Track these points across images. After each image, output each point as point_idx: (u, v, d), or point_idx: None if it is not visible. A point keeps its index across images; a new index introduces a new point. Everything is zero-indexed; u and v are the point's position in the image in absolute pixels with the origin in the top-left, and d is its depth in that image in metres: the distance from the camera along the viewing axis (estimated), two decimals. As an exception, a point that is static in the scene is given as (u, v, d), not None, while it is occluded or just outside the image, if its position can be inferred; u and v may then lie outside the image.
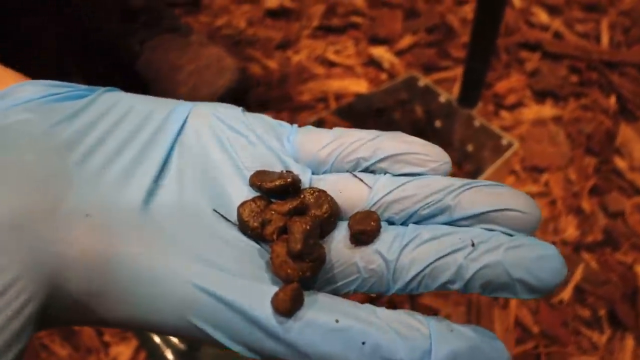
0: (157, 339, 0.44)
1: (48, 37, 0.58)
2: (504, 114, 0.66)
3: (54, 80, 0.20)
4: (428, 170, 0.19)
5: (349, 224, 0.19)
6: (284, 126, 0.21)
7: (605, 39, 0.74)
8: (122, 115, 0.19)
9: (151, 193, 0.18)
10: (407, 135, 0.20)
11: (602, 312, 0.49)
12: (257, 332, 0.16)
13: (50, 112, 0.19)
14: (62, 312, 0.17)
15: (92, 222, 0.17)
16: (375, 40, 0.75)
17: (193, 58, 0.60)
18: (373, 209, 0.19)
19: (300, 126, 0.21)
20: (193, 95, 0.58)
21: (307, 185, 0.19)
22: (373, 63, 0.72)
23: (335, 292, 0.18)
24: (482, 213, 0.18)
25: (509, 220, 0.18)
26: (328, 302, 0.17)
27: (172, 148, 0.19)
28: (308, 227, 0.17)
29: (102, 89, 0.20)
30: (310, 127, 0.21)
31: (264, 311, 0.16)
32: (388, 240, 0.18)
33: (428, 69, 0.71)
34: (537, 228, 0.18)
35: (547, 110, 0.66)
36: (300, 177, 0.19)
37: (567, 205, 0.56)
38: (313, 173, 0.20)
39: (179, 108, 0.20)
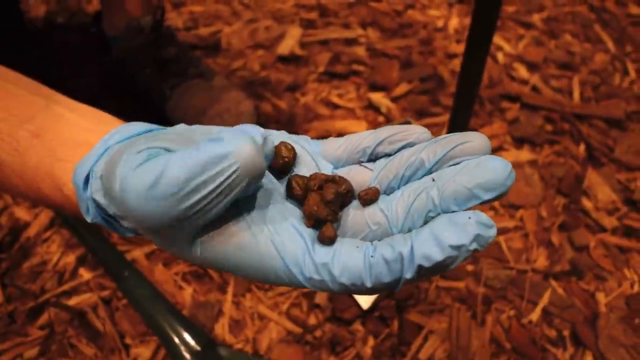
0: (176, 339, 0.50)
1: (89, 77, 0.66)
2: (486, 156, 0.73)
3: None
4: (412, 141, 0.26)
5: (357, 196, 0.26)
6: (314, 140, 0.29)
7: (576, 94, 0.82)
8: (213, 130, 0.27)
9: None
10: (395, 125, 0.27)
11: (566, 333, 0.54)
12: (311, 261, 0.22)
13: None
14: None
15: None
16: (375, 87, 0.82)
17: (215, 101, 0.67)
18: (375, 183, 0.26)
19: None
20: None
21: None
22: (372, 107, 0.79)
23: None
24: (443, 156, 0.24)
25: (462, 152, 0.23)
26: (349, 240, 0.23)
27: None
28: (334, 190, 0.24)
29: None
30: (330, 138, 0.28)
31: (313, 244, 0.23)
32: (384, 200, 0.25)
33: (421, 114, 0.78)
34: (489, 150, 0.23)
35: (524, 154, 0.72)
36: (326, 170, 0.27)
37: (539, 238, 0.62)
38: (334, 167, 0.27)
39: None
